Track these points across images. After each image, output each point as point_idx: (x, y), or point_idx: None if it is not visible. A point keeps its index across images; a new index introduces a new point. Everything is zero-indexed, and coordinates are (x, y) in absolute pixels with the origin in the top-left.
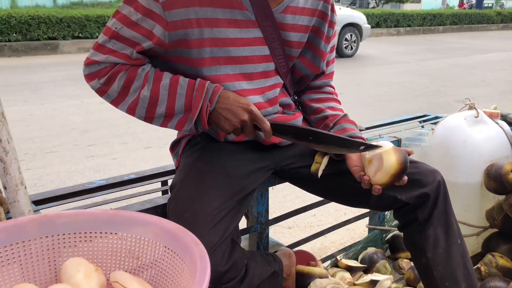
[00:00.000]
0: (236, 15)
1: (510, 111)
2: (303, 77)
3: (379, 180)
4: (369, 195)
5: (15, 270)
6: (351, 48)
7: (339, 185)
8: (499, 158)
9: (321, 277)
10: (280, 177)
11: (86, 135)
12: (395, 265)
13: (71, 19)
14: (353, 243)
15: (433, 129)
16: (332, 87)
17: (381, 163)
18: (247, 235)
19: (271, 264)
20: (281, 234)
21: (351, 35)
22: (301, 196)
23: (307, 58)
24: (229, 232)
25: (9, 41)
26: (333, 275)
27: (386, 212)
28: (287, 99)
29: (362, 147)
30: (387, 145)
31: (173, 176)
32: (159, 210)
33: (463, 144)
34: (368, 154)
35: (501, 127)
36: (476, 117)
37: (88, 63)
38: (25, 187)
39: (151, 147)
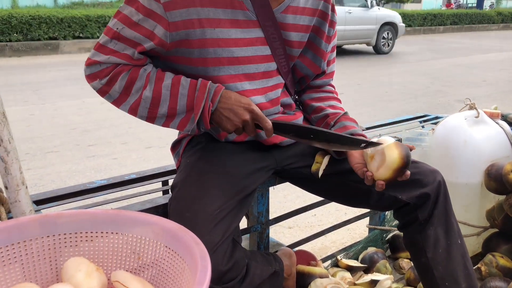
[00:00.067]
0: (237, 15)
1: (510, 111)
2: (304, 77)
3: (382, 175)
4: (369, 195)
5: (16, 270)
6: (388, 45)
7: (340, 185)
8: (499, 158)
9: (321, 277)
10: (280, 177)
11: (87, 135)
12: (395, 265)
13: (71, 19)
14: (354, 243)
15: (433, 129)
16: (333, 86)
17: (383, 159)
18: (248, 235)
19: (271, 264)
20: (281, 234)
21: (388, 33)
22: (301, 196)
23: (308, 58)
24: (230, 231)
25: (10, 41)
26: (333, 275)
27: (387, 212)
28: (288, 99)
29: (363, 144)
30: (388, 140)
31: (174, 176)
32: (160, 210)
33: (464, 144)
34: (370, 150)
35: (502, 127)
36: (477, 117)
37: (90, 64)
38: (26, 187)
39: (152, 147)
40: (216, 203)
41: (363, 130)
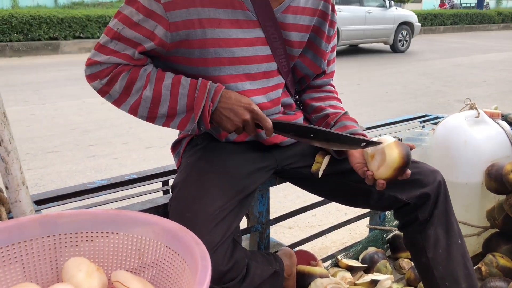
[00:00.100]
0: (237, 15)
1: (510, 111)
2: (304, 77)
3: (383, 174)
4: (369, 195)
5: (17, 270)
6: (403, 44)
7: (340, 185)
8: (499, 158)
9: (321, 277)
10: (281, 177)
11: (87, 135)
12: (395, 265)
13: (72, 19)
14: (354, 243)
15: (433, 129)
16: (333, 86)
17: (383, 158)
18: (248, 235)
19: (272, 264)
20: (282, 234)
21: (405, 33)
22: (302, 196)
23: (308, 58)
24: (231, 231)
25: (11, 41)
26: (333, 275)
27: (387, 212)
28: (289, 99)
29: (363, 144)
30: (388, 139)
31: (174, 176)
32: (160, 210)
33: (464, 144)
34: (370, 150)
35: (502, 127)
36: (477, 117)
37: (90, 64)
38: (27, 187)
39: (152, 147)
40: (217, 203)
41: (364, 130)
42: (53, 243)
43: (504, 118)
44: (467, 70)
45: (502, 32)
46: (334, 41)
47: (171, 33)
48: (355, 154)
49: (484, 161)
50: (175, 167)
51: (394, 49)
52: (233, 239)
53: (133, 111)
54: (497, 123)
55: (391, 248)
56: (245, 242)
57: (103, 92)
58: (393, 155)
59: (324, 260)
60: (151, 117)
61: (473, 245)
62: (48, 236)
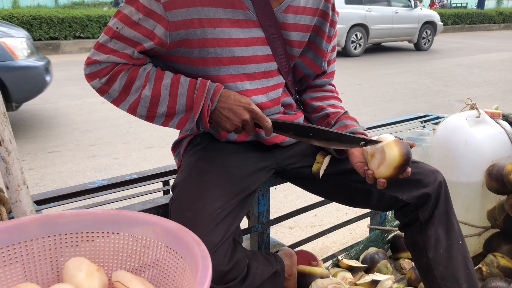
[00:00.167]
0: (238, 15)
1: (511, 111)
2: (305, 77)
3: (383, 173)
4: (370, 195)
5: (17, 270)
6: (426, 43)
7: (340, 185)
8: (500, 158)
9: (322, 277)
10: (281, 177)
11: (87, 135)
12: (396, 265)
13: (72, 19)
14: (355, 243)
15: (434, 129)
16: (333, 85)
17: (383, 156)
18: (249, 235)
19: (272, 264)
20: (282, 234)
21: (428, 32)
22: (302, 196)
23: (309, 58)
24: (231, 232)
25: None
26: (334, 275)
27: (387, 212)
28: (289, 99)
29: (362, 142)
30: (388, 138)
31: (174, 176)
32: (160, 210)
33: (465, 144)
34: (369, 149)
35: (503, 127)
36: (478, 117)
37: (89, 63)
38: (27, 187)
39: (153, 147)
40: (217, 203)
41: (364, 130)
42: (54, 243)
43: (505, 118)
44: (468, 70)
45: (503, 32)
46: (334, 41)
47: (171, 33)
48: (356, 153)
49: (485, 161)
50: (176, 167)
51: (418, 47)
52: (233, 239)
53: (132, 110)
54: (498, 123)
55: (392, 248)
56: (246, 242)
57: (102, 91)
58: (393, 153)
59: (325, 260)
60: (150, 117)
61: (473, 245)
62: (49, 236)
